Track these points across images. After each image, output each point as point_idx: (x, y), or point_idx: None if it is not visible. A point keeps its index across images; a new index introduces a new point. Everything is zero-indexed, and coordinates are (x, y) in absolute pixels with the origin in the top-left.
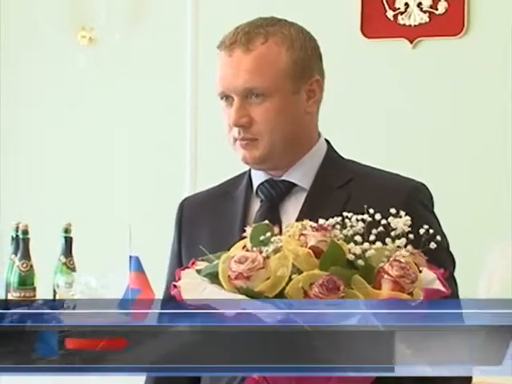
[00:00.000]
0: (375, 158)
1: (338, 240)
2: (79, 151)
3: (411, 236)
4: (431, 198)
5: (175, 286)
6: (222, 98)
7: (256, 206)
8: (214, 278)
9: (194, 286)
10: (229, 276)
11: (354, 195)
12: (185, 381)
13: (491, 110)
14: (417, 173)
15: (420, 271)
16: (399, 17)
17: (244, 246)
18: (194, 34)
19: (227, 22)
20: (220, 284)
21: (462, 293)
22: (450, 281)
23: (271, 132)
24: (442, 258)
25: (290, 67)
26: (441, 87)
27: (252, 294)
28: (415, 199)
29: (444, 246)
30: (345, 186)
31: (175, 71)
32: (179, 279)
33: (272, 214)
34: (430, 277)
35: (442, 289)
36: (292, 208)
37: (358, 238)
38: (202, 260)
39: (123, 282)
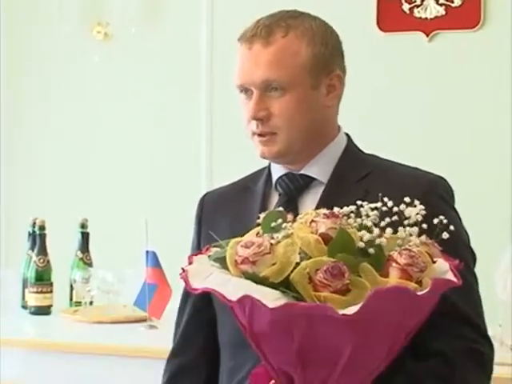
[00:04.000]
0: (390, 151)
1: (352, 228)
2: (95, 146)
3: (424, 226)
4: (451, 193)
5: (184, 270)
6: (241, 91)
7: (275, 199)
8: (223, 262)
9: (201, 271)
10: (235, 261)
11: (373, 189)
12: (203, 375)
13: (507, 103)
14: (430, 165)
15: (434, 262)
16: (415, 10)
17: (257, 233)
18: (209, 29)
19: (242, 17)
20: (228, 269)
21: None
22: (469, 275)
23: (290, 126)
24: (461, 252)
25: (309, 61)
26: (457, 80)
27: (257, 279)
28: (434, 192)
29: (464, 240)
30: (363, 180)
31: (190, 66)
32: (190, 264)
33: (290, 208)
34: (444, 268)
35: (453, 279)
36: (310, 202)
37: (370, 225)
38: (216, 246)
39: (140, 277)
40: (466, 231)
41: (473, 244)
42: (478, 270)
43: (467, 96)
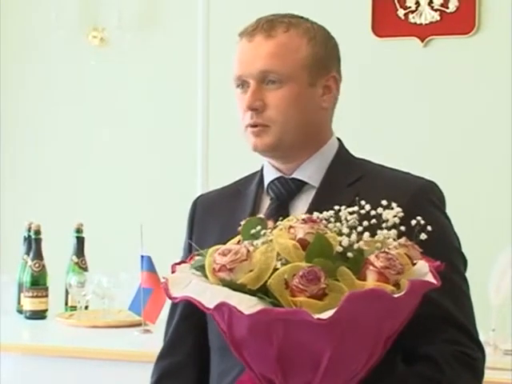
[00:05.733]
0: (386, 155)
1: (332, 232)
2: (90, 151)
3: (402, 228)
4: (442, 197)
5: (165, 279)
6: (238, 85)
7: (266, 203)
8: (203, 270)
9: (181, 279)
10: (213, 268)
11: (363, 193)
12: (191, 377)
13: (502, 108)
14: (426, 170)
15: (414, 264)
16: (410, 15)
17: (239, 241)
18: (205, 34)
19: (238, 21)
20: (207, 277)
21: (471, 294)
22: (459, 279)
23: (283, 119)
24: (451, 257)
25: (309, 59)
26: (452, 85)
27: (235, 286)
28: (423, 197)
29: (454, 245)
30: (354, 184)
31: (186, 71)
32: (173, 273)
33: (282, 212)
34: (424, 269)
35: (432, 280)
36: (302, 206)
37: (347, 231)
38: (199, 255)
39: (135, 282)
40: (457, 236)
41: (469, 248)
42: (472, 274)
43: (462, 101)
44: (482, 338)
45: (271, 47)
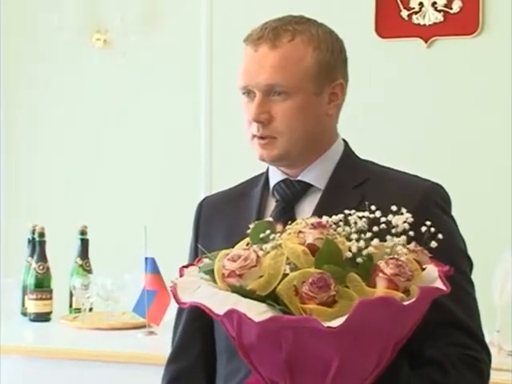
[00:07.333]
0: (390, 156)
1: (340, 237)
2: (95, 152)
3: (411, 233)
4: (448, 200)
5: (173, 283)
6: (243, 93)
7: (272, 205)
8: (212, 275)
9: (189, 283)
10: (223, 274)
11: (369, 195)
12: (201, 380)
13: (504, 108)
14: (428, 171)
15: (423, 269)
16: (414, 16)
17: (247, 244)
18: (208, 35)
19: (241, 21)
20: (216, 282)
21: (478, 295)
22: (466, 282)
23: (290, 131)
24: (457, 260)
25: (314, 68)
26: (456, 86)
27: (244, 293)
28: (430, 200)
29: (461, 248)
30: (360, 187)
31: (189, 72)
32: (181, 276)
33: (287, 214)
34: (434, 274)
35: (441, 287)
36: (307, 208)
37: (356, 236)
38: (207, 258)
39: (139, 284)
40: (463, 239)
41: (472, 249)
42: (476, 275)
43: (466, 101)
44: (486, 339)
45: (276, 59)
